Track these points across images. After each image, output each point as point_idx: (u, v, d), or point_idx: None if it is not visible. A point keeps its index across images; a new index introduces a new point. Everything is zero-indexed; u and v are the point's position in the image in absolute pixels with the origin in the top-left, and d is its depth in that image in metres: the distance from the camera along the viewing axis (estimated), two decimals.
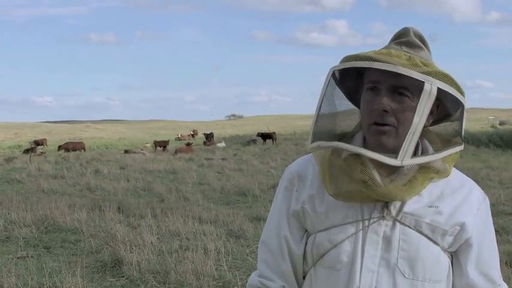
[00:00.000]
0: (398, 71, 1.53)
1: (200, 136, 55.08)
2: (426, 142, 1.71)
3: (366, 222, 1.65)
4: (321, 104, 1.69)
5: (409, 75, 1.53)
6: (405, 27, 1.71)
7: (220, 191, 14.26)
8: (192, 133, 60.83)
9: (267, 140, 41.84)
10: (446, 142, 1.68)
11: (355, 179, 1.59)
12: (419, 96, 1.55)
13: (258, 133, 44.81)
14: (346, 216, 1.66)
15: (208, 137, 47.67)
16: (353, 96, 1.74)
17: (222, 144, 39.66)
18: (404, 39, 1.68)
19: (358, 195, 1.61)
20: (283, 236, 1.78)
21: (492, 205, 10.93)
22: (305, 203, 1.74)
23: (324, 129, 1.70)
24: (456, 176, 1.74)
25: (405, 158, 1.55)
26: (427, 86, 1.53)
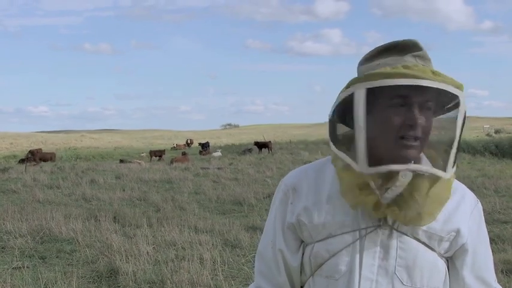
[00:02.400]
0: (440, 87, 1.54)
1: (196, 145, 55.03)
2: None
3: (363, 232, 1.65)
4: (365, 123, 1.57)
5: (446, 89, 1.55)
6: (413, 40, 1.68)
7: (216, 201, 14.24)
8: (187, 142, 60.76)
9: (263, 149, 41.80)
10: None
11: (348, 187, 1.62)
12: (441, 108, 1.61)
13: (254, 142, 44.83)
14: (344, 226, 1.67)
15: (204, 146, 47.63)
16: (369, 113, 1.63)
17: (218, 154, 39.62)
18: (417, 52, 1.67)
19: (375, 205, 1.61)
20: (278, 249, 1.79)
21: (488, 213, 11.05)
22: (300, 215, 1.74)
23: (370, 150, 1.59)
24: None
25: (448, 170, 1.58)
26: (462, 100, 1.57)
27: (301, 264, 1.77)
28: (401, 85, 1.55)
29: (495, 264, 7.08)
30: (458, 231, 1.68)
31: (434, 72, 1.58)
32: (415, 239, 1.65)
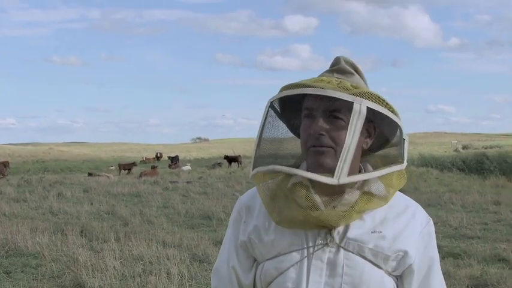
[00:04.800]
0: (328, 94, 1.58)
1: (165, 159, 54.83)
2: (369, 167, 1.75)
3: (311, 249, 1.67)
4: (261, 134, 1.73)
5: (338, 96, 1.58)
6: (337, 57, 1.77)
7: (184, 215, 14.17)
8: (157, 156, 60.50)
9: (233, 163, 41.84)
10: (390, 165, 1.71)
11: (299, 205, 1.62)
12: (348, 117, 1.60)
13: (224, 156, 44.82)
14: (292, 244, 1.68)
15: (174, 159, 47.52)
16: (294, 126, 1.78)
17: (187, 168, 39.53)
18: (335, 67, 1.74)
19: (301, 222, 1.63)
20: (231, 266, 1.82)
21: (454, 229, 11.19)
22: (251, 234, 1.77)
23: (264, 157, 1.73)
24: (400, 199, 1.76)
25: (342, 176, 1.57)
26: (356, 106, 1.57)
27: (254, 282, 1.79)
28: (294, 96, 1.66)
29: (461, 279, 7.15)
30: (405, 252, 1.68)
31: (340, 83, 1.64)
32: (361, 256, 1.66)
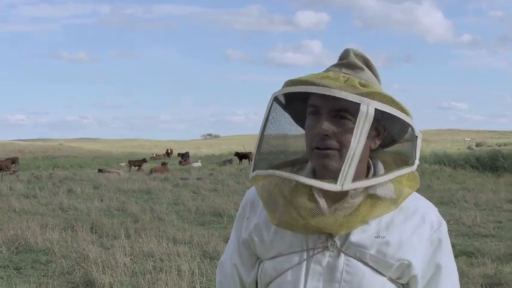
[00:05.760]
0: (332, 94, 1.51)
1: (175, 155, 54.84)
2: (380, 164, 1.69)
3: (311, 252, 1.62)
4: (263, 130, 1.67)
5: (344, 97, 1.50)
6: (346, 49, 1.68)
7: (195, 212, 14.20)
8: (167, 152, 60.52)
9: (243, 160, 41.80)
10: (402, 163, 1.65)
11: (297, 208, 1.57)
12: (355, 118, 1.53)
13: (235, 153, 44.80)
14: (292, 246, 1.64)
15: (184, 156, 47.51)
16: (300, 121, 1.72)
17: (198, 164, 39.52)
18: (344, 61, 1.65)
19: (301, 227, 1.58)
20: (233, 263, 1.80)
21: (468, 227, 11.15)
22: (252, 232, 1.73)
23: (266, 158, 1.68)
24: (410, 201, 1.65)
25: (345, 183, 1.51)
26: (362, 107, 1.50)
27: (256, 280, 1.76)
28: (298, 92, 1.59)
29: (475, 278, 7.10)
30: (410, 261, 1.60)
31: (348, 81, 1.57)
32: (362, 262, 1.59)
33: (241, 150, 47.98)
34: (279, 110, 1.69)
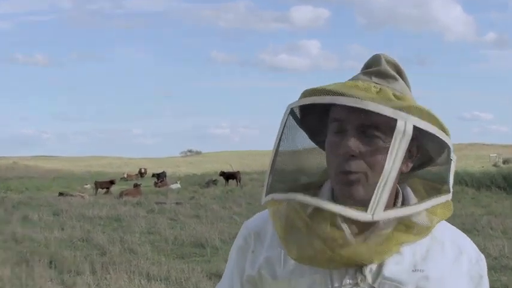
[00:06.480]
0: (366, 107, 1.47)
1: (150, 175, 54.83)
2: (408, 190, 1.67)
3: None
4: (278, 147, 1.64)
5: (378, 111, 1.47)
6: (376, 55, 1.66)
7: (173, 242, 14.17)
8: (140, 172, 60.51)
9: (230, 181, 41.78)
10: (433, 190, 1.64)
11: (322, 237, 1.53)
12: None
13: (220, 172, 44.81)
14: (313, 283, 1.58)
15: (160, 176, 47.49)
16: (317, 137, 1.70)
17: (177, 186, 39.47)
18: (374, 68, 1.63)
19: (326, 259, 1.54)
20: None
21: (494, 259, 11.13)
22: (262, 268, 1.67)
23: (283, 179, 1.65)
24: (445, 229, 1.68)
25: (377, 212, 1.47)
26: (400, 124, 1.46)
27: None
28: (322, 104, 1.56)
29: None
30: None
31: (380, 92, 1.55)
32: None
33: (227, 169, 47.95)
34: (294, 125, 1.67)
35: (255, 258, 1.71)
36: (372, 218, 1.47)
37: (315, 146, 1.72)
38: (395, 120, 1.46)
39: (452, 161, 1.63)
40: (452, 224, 1.74)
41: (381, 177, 1.47)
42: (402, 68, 1.66)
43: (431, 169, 1.67)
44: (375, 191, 1.47)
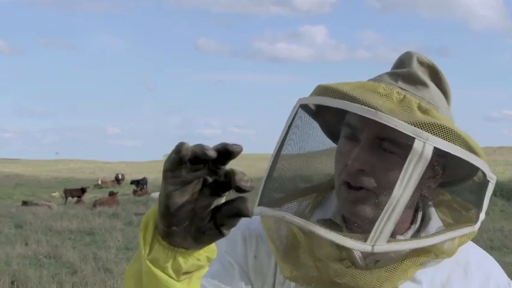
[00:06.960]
0: (379, 120, 1.40)
1: (128, 182, 54.90)
2: (432, 211, 1.63)
3: None
4: (280, 147, 1.58)
5: (394, 126, 1.39)
6: (408, 53, 1.61)
7: None
8: (117, 178, 60.58)
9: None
10: (459, 214, 1.61)
11: (325, 263, 1.50)
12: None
13: None
14: None
15: (140, 183, 47.55)
16: (333, 134, 1.67)
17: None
18: (403, 70, 1.57)
19: (325, 281, 1.50)
20: (224, 251, 1.64)
21: None
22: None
23: (281, 186, 1.61)
24: (468, 252, 1.63)
25: (378, 242, 1.41)
26: (417, 144, 1.38)
27: None
28: (323, 105, 1.53)
29: None
30: None
31: (403, 101, 1.47)
32: None
33: None
34: (305, 122, 1.62)
35: (257, 266, 1.64)
36: (372, 249, 1.41)
37: (326, 148, 1.68)
38: (413, 138, 1.38)
39: (490, 182, 1.53)
40: (478, 240, 1.73)
41: (387, 204, 1.40)
42: (440, 72, 1.61)
43: (463, 188, 1.63)
44: (379, 219, 1.41)
